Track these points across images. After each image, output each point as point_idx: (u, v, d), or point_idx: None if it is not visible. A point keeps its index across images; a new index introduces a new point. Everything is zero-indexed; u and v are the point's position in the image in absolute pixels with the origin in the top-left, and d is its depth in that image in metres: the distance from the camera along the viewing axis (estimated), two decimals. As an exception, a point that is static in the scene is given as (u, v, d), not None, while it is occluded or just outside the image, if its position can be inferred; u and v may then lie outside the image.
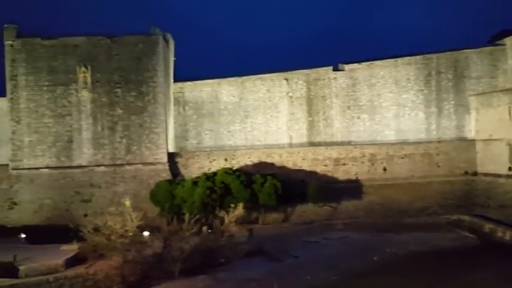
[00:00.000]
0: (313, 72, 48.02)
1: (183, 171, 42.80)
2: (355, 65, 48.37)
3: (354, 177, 44.46)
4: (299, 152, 45.00)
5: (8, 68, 40.61)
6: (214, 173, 38.55)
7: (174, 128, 46.44)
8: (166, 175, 40.82)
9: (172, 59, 47.34)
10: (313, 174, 43.74)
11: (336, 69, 48.31)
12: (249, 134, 47.02)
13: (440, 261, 27.97)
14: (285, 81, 47.67)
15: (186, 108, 46.87)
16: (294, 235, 35.32)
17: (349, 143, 47.08)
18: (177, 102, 46.80)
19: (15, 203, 39.61)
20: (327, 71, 48.11)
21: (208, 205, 35.83)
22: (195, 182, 37.09)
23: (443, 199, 43.45)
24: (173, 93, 46.54)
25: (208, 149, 45.66)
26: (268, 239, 33.43)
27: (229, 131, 46.90)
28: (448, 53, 48.88)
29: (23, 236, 34.14)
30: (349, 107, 47.98)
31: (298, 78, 47.80)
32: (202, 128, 46.84)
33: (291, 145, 46.98)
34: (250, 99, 47.13)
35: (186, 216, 29.34)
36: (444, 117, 48.46)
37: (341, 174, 44.50)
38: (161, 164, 41.71)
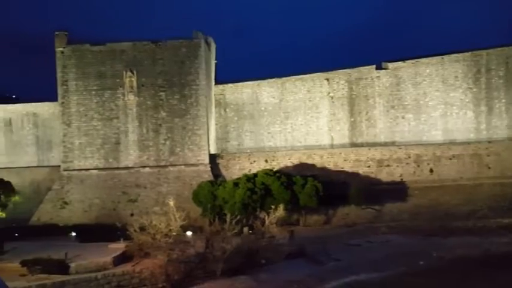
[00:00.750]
0: (355, 72, 47.16)
1: (224, 172, 43.33)
2: (399, 63, 47.03)
3: (398, 179, 43.20)
4: (341, 153, 44.32)
5: (59, 74, 42.84)
6: (255, 174, 38.70)
7: (215, 130, 47.11)
8: (208, 176, 41.46)
9: (213, 61, 48.10)
10: (355, 175, 42.93)
11: (379, 67, 47.21)
12: (289, 135, 46.84)
13: (491, 267, 26.55)
14: (325, 81, 47.12)
15: (227, 110, 47.41)
16: (335, 238, 34.72)
17: (393, 143, 45.82)
18: (218, 104, 47.45)
19: (66, 203, 41.60)
20: (369, 70, 47.10)
21: (249, 206, 36.00)
22: (235, 183, 37.38)
23: (494, 202, 41.26)
24: (214, 95, 47.24)
25: (248, 151, 45.94)
26: (309, 241, 33.06)
27: (269, 132, 46.95)
28: (499, 49, 46.52)
29: (74, 234, 35.56)
30: (393, 107, 46.71)
31: (340, 78, 47.10)
32: (243, 130, 47.18)
33: (332, 146, 46.37)
34: (291, 100, 46.94)
35: (228, 217, 29.57)
36: (495, 116, 46.13)
37: (385, 175, 43.37)
38: (203, 165, 42.43)
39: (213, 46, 47.82)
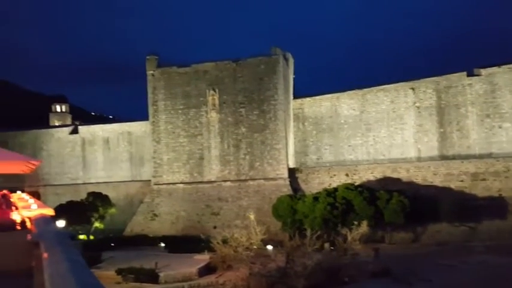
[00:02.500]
0: (443, 79, 44.15)
1: (303, 186, 42.96)
2: (494, 69, 43.08)
3: (496, 194, 39.19)
4: (429, 166, 41.53)
5: (150, 95, 46.15)
6: (335, 189, 37.79)
7: (294, 144, 47.05)
8: (287, 190, 41.38)
9: (292, 76, 48.41)
10: (446, 190, 39.80)
11: (470, 74, 43.59)
12: (372, 148, 45.06)
13: None
14: (410, 91, 44.79)
15: (306, 123, 47.18)
16: (425, 257, 32.36)
17: (489, 155, 41.81)
18: (296, 118, 47.48)
19: (156, 215, 44.16)
20: (460, 77, 43.76)
21: (330, 221, 35.16)
22: (315, 198, 36.81)
23: None
24: (293, 109, 47.36)
25: (328, 164, 45.10)
26: (396, 260, 31.20)
27: (350, 146, 45.67)
28: None
29: (163, 244, 37.44)
30: (488, 116, 42.79)
31: (426, 87, 44.39)
32: (322, 143, 46.52)
33: (419, 159, 43.63)
34: (372, 111, 45.28)
35: (308, 232, 29.19)
36: None
37: (480, 190, 39.65)
38: (282, 179, 42.54)
39: (291, 61, 48.20)
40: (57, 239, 5.82)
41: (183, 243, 35.83)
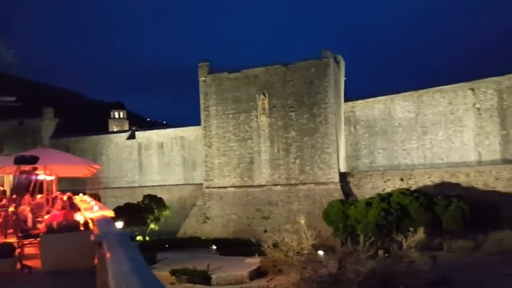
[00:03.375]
0: (505, 79, 41.42)
1: (355, 191, 42.02)
2: (563, 66, 39.87)
3: None
4: (491, 171, 39.11)
5: (202, 101, 47.31)
6: (390, 194, 36.58)
7: (345, 148, 46.20)
8: (339, 195, 40.67)
9: (343, 79, 47.66)
10: (509, 196, 37.31)
11: (535, 73, 40.76)
12: (428, 151, 43.18)
13: None
14: (470, 92, 42.48)
15: (358, 127, 46.19)
16: (487, 266, 30.44)
17: (559, 159, 38.76)
18: (348, 121, 46.63)
19: (207, 218, 45.06)
20: (523, 76, 40.99)
21: (384, 227, 34.06)
22: (368, 203, 35.86)
23: None
24: (344, 112, 46.57)
25: (381, 169, 43.79)
26: (455, 269, 29.61)
27: (404, 149, 44.08)
28: None
29: (214, 247, 38.11)
30: (556, 116, 39.70)
31: (487, 87, 41.89)
32: (375, 147, 45.28)
33: (479, 163, 41.22)
34: (429, 113, 43.41)
35: (361, 238, 28.47)
36: None
37: (548, 196, 36.80)
38: (333, 184, 41.88)
39: (342, 63, 47.45)
40: (119, 239, 6.11)
41: (234, 246, 36.23)
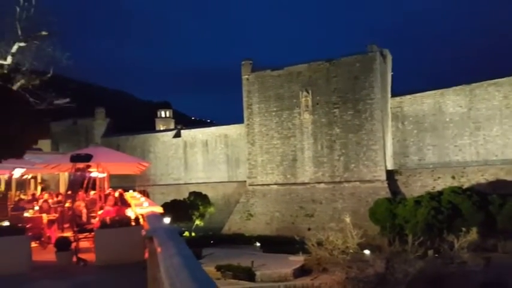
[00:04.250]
0: None
1: (403, 189, 40.71)
2: None
3: None
4: (551, 168, 36.62)
5: (244, 99, 47.62)
6: (440, 192, 35.15)
7: (393, 144, 44.85)
8: (385, 193, 39.58)
9: (389, 74, 46.29)
10: None
11: None
12: (482, 148, 40.98)
13: None
14: (527, 85, 39.93)
15: (405, 123, 44.68)
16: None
17: None
18: (395, 117, 45.23)
19: (251, 215, 45.36)
20: None
21: (434, 227, 32.78)
22: (417, 202, 34.64)
23: None
24: (391, 108, 45.21)
25: (431, 166, 42.12)
26: (511, 271, 28.03)
27: (456, 146, 42.10)
28: None
29: (258, 244, 38.29)
30: None
31: (546, 80, 39.23)
32: (424, 143, 43.61)
33: (539, 160, 38.71)
34: (482, 108, 41.16)
35: (409, 238, 27.64)
36: None
37: None
38: (379, 182, 40.81)
39: (389, 58, 46.07)
40: (169, 234, 6.25)
41: (278, 244, 36.21)
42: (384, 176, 40.83)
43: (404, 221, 34.08)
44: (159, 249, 5.58)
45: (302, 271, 29.79)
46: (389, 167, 42.55)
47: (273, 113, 45.85)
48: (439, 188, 37.26)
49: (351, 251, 28.61)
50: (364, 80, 41.95)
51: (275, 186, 45.26)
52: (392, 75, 46.67)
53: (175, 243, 5.46)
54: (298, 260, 31.28)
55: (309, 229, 39.69)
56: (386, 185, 40.45)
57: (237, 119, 50.66)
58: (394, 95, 45.68)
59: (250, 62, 47.50)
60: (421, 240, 27.35)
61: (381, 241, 31.21)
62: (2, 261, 9.25)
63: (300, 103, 44.44)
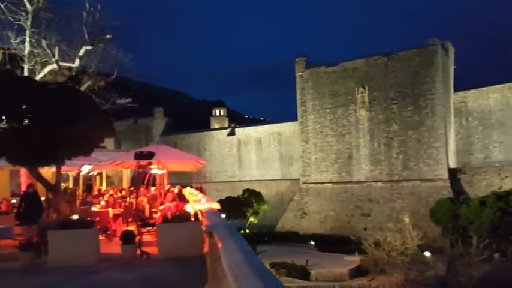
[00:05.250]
0: None
1: (467, 189, 38.50)
2: None
3: None
4: None
5: (298, 96, 47.33)
6: (508, 192, 32.78)
7: (456, 142, 42.56)
8: (447, 193, 37.64)
9: (452, 68, 43.94)
10: None
11: None
12: (559, 145, 37.78)
13: None
14: None
15: (470, 119, 42.20)
16: None
17: None
18: (458, 113, 42.86)
19: (305, 213, 45.05)
20: None
21: (500, 229, 30.69)
22: (482, 202, 32.58)
23: None
24: (454, 103, 42.91)
25: (497, 164, 39.44)
26: None
27: (526, 143, 39.15)
28: None
29: (312, 243, 37.94)
30: None
31: None
32: (490, 140, 40.95)
33: None
34: (556, 102, 37.96)
35: (474, 240, 26.12)
36: None
37: None
38: (441, 181, 38.90)
39: (452, 51, 43.71)
40: (228, 230, 6.34)
41: (333, 243, 35.64)
42: (446, 175, 38.88)
43: (468, 222, 32.24)
44: (219, 245, 5.67)
45: (358, 272, 29.12)
46: (452, 165, 40.42)
47: (328, 110, 45.18)
48: (506, 187, 34.85)
49: (410, 252, 27.54)
50: (424, 74, 40.12)
51: (329, 185, 44.61)
52: (455, 69, 44.27)
53: (236, 239, 5.53)
54: (354, 260, 30.63)
55: (365, 229, 38.75)
56: (449, 184, 38.49)
57: (291, 116, 50.58)
58: (457, 89, 43.32)
59: (304, 58, 47.09)
60: (486, 243, 25.74)
61: (442, 243, 29.77)
62: (73, 252, 9.88)
63: (356, 99, 43.40)
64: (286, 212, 46.10)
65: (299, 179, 47.18)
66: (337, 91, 44.60)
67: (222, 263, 5.35)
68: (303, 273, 28.10)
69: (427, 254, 29.00)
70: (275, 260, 29.74)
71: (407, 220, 29.67)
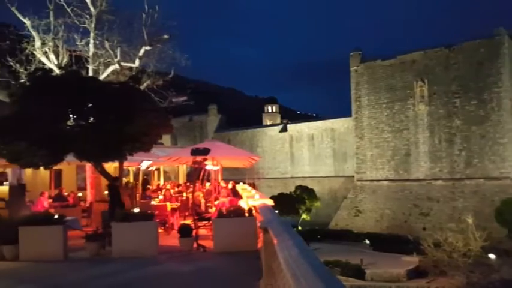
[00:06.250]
0: None
1: (538, 188, 35.76)
2: None
3: None
4: None
5: (353, 91, 46.28)
6: None
7: (526, 138, 39.57)
8: (516, 192, 35.20)
9: (520, 58, 40.88)
10: None
11: None
12: None
13: None
14: None
15: (542, 113, 39.09)
16: None
17: None
18: (528, 107, 39.82)
19: (359, 211, 44.07)
20: None
21: None
22: (557, 203, 30.19)
23: None
24: (523, 97, 39.93)
25: None
26: None
27: None
28: None
29: (367, 242, 37.05)
30: None
31: None
32: None
33: None
34: None
35: (546, 244, 24.25)
36: None
37: None
38: (508, 179, 36.42)
39: (521, 41, 40.65)
40: (283, 226, 6.35)
41: (389, 242, 34.56)
42: (513, 173, 36.35)
43: (540, 224, 30.02)
44: (275, 240, 5.69)
45: (416, 273, 28.11)
46: (521, 163, 37.67)
47: (384, 105, 43.78)
48: None
49: (473, 254, 26.10)
50: (489, 66, 37.66)
51: (386, 182, 43.28)
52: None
53: (291, 235, 5.52)
54: (412, 260, 29.57)
55: (424, 229, 37.23)
56: (516, 184, 35.96)
57: (344, 112, 49.61)
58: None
59: (359, 52, 45.93)
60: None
61: (509, 245, 27.95)
62: (134, 243, 10.37)
63: (414, 93, 41.65)
64: (340, 209, 45.36)
65: (353, 176, 46.21)
66: (394, 85, 43.07)
67: (277, 259, 5.38)
68: (357, 272, 27.55)
69: (492, 256, 27.40)
70: (328, 258, 29.34)
71: (470, 220, 28.09)
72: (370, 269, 28.01)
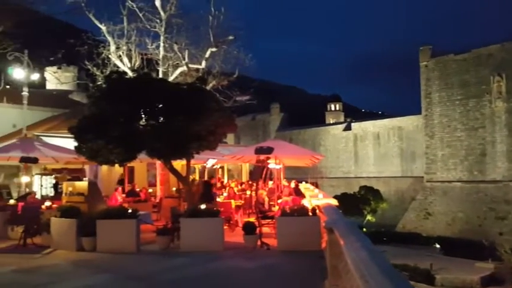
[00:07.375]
0: None
1: None
2: None
3: None
4: None
5: (423, 87, 44.17)
6: None
7: None
8: None
9: None
10: None
11: None
12: None
13: None
14: None
15: None
16: None
17: None
18: None
19: (429, 214, 41.99)
20: None
21: None
22: None
23: None
24: None
25: None
26: None
27: None
28: None
29: (438, 246, 35.31)
30: None
31: None
32: None
33: None
34: None
35: None
36: None
37: None
38: None
39: None
40: (349, 227, 6.24)
41: (462, 247, 32.72)
42: None
43: None
44: (341, 241, 5.62)
45: (491, 280, 26.46)
46: None
47: (457, 102, 41.28)
48: None
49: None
50: None
51: (458, 184, 40.83)
52: None
53: (358, 237, 5.42)
54: (486, 267, 27.82)
55: (501, 234, 34.72)
56: None
57: (412, 109, 47.61)
58: None
59: (430, 47, 43.74)
60: None
61: None
62: (201, 239, 10.75)
63: (491, 89, 38.81)
64: (408, 211, 43.54)
65: (422, 177, 44.14)
66: (468, 81, 40.45)
67: (343, 260, 5.30)
68: (427, 277, 26.40)
69: None
70: (395, 261, 28.28)
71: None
72: (441, 274, 26.85)
